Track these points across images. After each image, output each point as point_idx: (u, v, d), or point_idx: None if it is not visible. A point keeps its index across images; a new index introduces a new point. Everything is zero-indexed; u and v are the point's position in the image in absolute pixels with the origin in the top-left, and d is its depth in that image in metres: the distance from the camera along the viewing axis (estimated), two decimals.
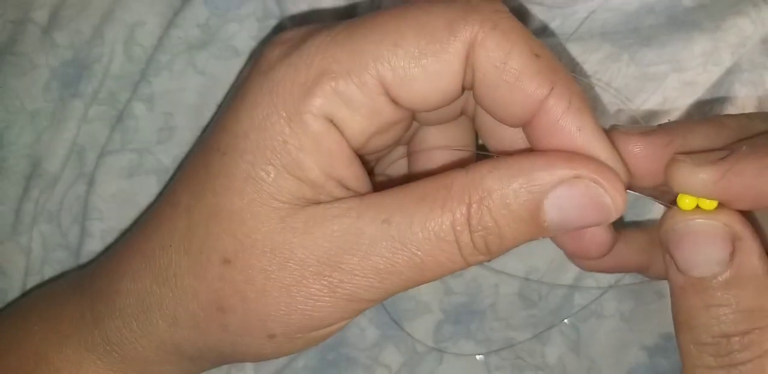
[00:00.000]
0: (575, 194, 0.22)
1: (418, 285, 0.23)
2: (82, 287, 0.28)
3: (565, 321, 0.34)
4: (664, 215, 0.23)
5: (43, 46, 0.34)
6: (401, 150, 0.30)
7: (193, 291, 0.24)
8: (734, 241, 0.22)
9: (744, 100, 0.33)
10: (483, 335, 0.34)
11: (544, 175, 0.22)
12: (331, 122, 0.23)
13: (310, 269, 0.23)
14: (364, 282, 0.23)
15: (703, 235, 0.22)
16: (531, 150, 0.24)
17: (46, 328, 0.27)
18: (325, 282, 0.23)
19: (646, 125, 0.25)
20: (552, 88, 0.23)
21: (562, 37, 0.33)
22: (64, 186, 0.34)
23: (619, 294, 0.34)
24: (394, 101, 0.23)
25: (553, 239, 0.26)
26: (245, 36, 0.34)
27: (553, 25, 0.33)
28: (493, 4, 0.23)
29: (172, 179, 0.34)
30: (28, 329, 0.27)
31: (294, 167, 0.23)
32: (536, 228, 0.23)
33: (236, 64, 0.34)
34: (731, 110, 0.33)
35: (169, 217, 0.25)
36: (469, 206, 0.22)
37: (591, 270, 0.30)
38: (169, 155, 0.34)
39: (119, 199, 0.34)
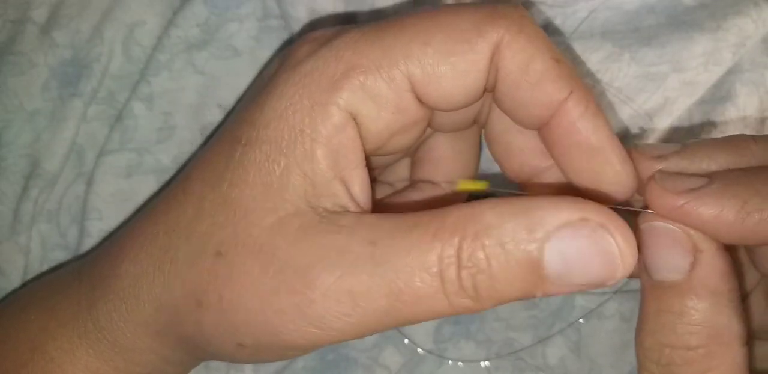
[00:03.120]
0: (579, 239, 0.20)
1: (396, 323, 0.22)
2: (81, 274, 0.27)
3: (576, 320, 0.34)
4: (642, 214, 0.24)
5: (42, 46, 0.34)
6: (407, 162, 0.30)
7: (182, 279, 0.24)
8: (695, 252, 0.22)
9: (745, 100, 0.33)
10: (483, 336, 0.34)
11: (547, 214, 0.20)
12: (354, 119, 0.23)
13: (286, 280, 0.22)
14: (335, 307, 0.21)
15: (665, 238, 0.22)
16: (535, 185, 0.25)
17: (44, 317, 0.27)
18: (296, 300, 0.21)
19: (666, 145, 0.25)
20: (571, 92, 0.23)
21: (563, 37, 0.33)
22: (63, 186, 0.34)
23: (619, 295, 0.34)
24: (419, 99, 0.24)
25: (563, 293, 0.25)
26: (245, 36, 0.34)
27: (554, 23, 0.33)
28: (519, 10, 0.24)
29: (172, 177, 0.34)
30: (26, 318, 0.27)
31: (303, 159, 0.23)
32: (534, 276, 0.21)
33: (236, 64, 0.34)
34: (732, 109, 0.33)
35: (180, 203, 0.25)
36: (462, 239, 0.21)
37: None
38: (169, 155, 0.34)
39: (118, 199, 0.34)
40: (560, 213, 0.20)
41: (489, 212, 0.21)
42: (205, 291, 0.23)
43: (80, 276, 0.27)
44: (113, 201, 0.34)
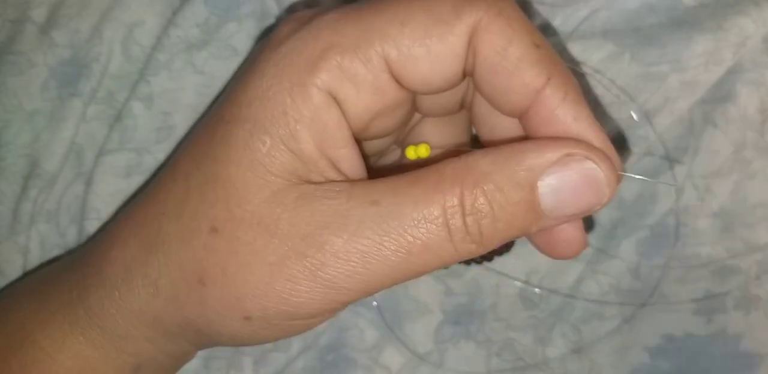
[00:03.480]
0: (568, 173, 0.22)
1: (404, 277, 0.23)
2: (72, 263, 0.27)
3: (536, 290, 0.34)
4: None
5: (41, 46, 0.34)
6: (398, 152, 0.30)
7: (179, 260, 0.24)
8: None
9: (745, 99, 0.33)
10: (483, 336, 0.34)
11: (536, 155, 0.22)
12: (334, 99, 0.23)
13: (294, 248, 0.22)
14: (346, 267, 0.22)
15: None
16: (523, 139, 0.24)
17: (36, 307, 0.27)
18: (307, 264, 0.22)
19: None
20: (549, 79, 0.23)
21: (564, 36, 0.33)
22: (62, 186, 0.34)
23: (619, 296, 0.34)
24: (398, 81, 0.23)
25: (529, 238, 0.26)
26: (244, 36, 0.34)
27: (555, 23, 0.33)
28: None
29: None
30: (17, 308, 0.27)
31: (289, 139, 0.23)
32: (531, 213, 0.22)
33: (235, 64, 0.34)
34: (732, 109, 0.33)
35: (167, 185, 0.25)
36: (462, 188, 0.22)
37: None
38: (168, 155, 0.34)
39: (118, 199, 0.34)
40: (547, 152, 0.22)
41: (482, 160, 0.22)
42: (205, 268, 0.23)
43: (71, 266, 0.27)
44: (113, 201, 0.34)
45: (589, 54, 0.33)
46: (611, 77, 0.33)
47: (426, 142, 0.27)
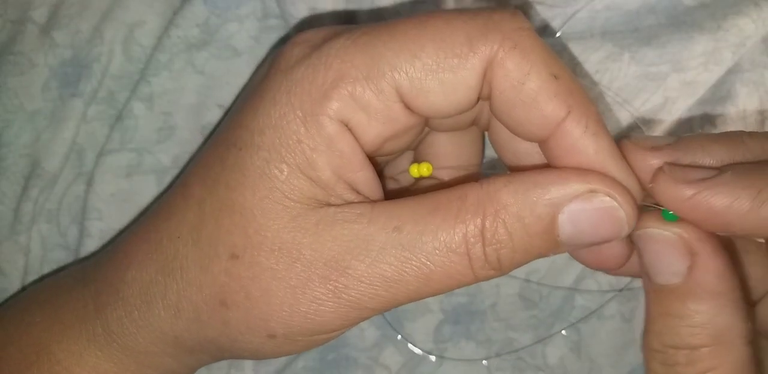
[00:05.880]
0: (590, 208, 0.22)
1: (425, 296, 0.23)
2: (85, 277, 0.27)
3: (563, 332, 0.34)
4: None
5: (42, 46, 0.34)
6: (410, 155, 0.30)
7: (198, 284, 0.24)
8: (691, 255, 0.22)
9: (745, 99, 0.33)
10: (483, 335, 0.34)
11: (558, 189, 0.22)
12: (347, 125, 0.23)
13: (317, 272, 0.23)
14: (369, 290, 0.23)
15: (661, 244, 0.23)
16: (545, 166, 0.24)
17: (49, 319, 0.27)
18: (330, 287, 0.23)
19: (660, 137, 0.25)
20: (569, 112, 0.23)
21: (563, 36, 0.33)
22: (63, 186, 0.34)
23: (619, 295, 0.34)
24: (409, 109, 0.23)
25: (571, 252, 0.26)
26: (245, 36, 0.34)
27: (554, 23, 0.33)
28: (516, 21, 0.23)
29: (177, 177, 0.34)
30: (30, 320, 0.27)
31: (306, 167, 0.23)
32: (550, 243, 0.23)
33: (236, 64, 0.34)
34: (732, 109, 0.33)
35: (180, 208, 0.25)
36: (484, 219, 0.22)
37: (617, 274, 0.30)
38: (169, 155, 0.34)
39: (118, 199, 0.34)
40: (569, 186, 0.22)
41: (504, 191, 0.22)
42: (228, 292, 0.23)
43: (84, 280, 0.27)
44: (113, 201, 0.34)
45: (589, 54, 0.33)
46: (611, 77, 0.33)
47: (429, 160, 0.28)
